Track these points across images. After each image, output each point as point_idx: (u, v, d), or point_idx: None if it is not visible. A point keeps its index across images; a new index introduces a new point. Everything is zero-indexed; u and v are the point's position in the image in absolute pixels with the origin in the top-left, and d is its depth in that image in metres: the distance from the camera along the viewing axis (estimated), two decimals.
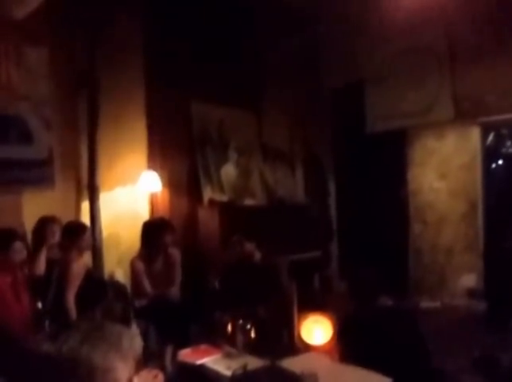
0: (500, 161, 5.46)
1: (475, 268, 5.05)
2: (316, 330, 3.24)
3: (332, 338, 3.12)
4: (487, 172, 5.22)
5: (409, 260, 5.49)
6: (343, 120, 5.99)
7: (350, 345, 2.55)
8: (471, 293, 4.95)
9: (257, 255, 3.80)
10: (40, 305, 3.16)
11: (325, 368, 2.37)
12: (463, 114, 5.07)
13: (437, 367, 2.58)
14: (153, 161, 4.67)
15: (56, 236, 3.49)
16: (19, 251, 3.02)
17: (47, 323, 3.04)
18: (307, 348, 2.96)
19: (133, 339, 1.10)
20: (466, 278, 5.07)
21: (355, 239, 5.79)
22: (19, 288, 3.02)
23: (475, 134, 5.16)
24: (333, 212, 6.20)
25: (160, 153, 4.69)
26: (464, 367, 3.21)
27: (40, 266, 3.32)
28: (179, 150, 4.86)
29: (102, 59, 4.30)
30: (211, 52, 4.96)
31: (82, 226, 3.63)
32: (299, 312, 3.51)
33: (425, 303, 4.94)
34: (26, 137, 4.01)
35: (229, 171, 5.17)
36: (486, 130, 5.20)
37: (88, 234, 3.59)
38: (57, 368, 1.01)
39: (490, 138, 5.31)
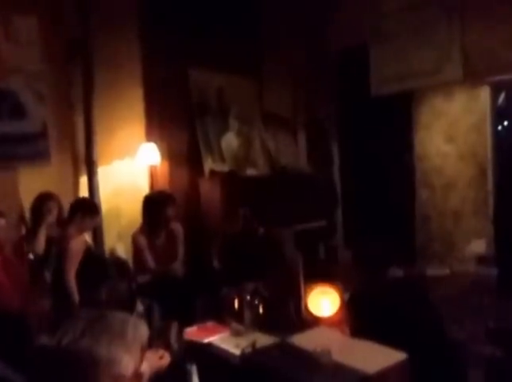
0: (511, 122, 5.28)
1: (484, 233, 4.95)
2: (324, 302, 3.16)
3: (340, 309, 3.05)
4: (497, 134, 5.05)
5: (416, 227, 5.40)
6: (347, 84, 5.80)
7: (361, 318, 2.48)
8: (481, 259, 4.87)
9: (261, 230, 3.72)
10: (32, 256, 3.11)
11: (337, 344, 2.30)
12: (472, 74, 4.85)
13: (451, 338, 2.51)
14: (152, 133, 4.53)
15: (53, 214, 3.42)
16: (2, 229, 2.93)
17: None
18: (314, 320, 2.89)
19: (137, 327, 1.03)
20: (475, 243, 4.98)
21: (360, 207, 5.69)
22: (10, 267, 2.93)
23: (484, 94, 4.96)
24: (337, 179, 6.07)
25: (158, 123, 4.55)
26: (476, 335, 3.15)
27: (39, 244, 3.24)
28: (178, 120, 4.71)
29: (96, 26, 4.12)
30: (209, 18, 4.73)
31: (96, 206, 3.55)
32: (305, 283, 3.44)
33: (433, 270, 4.87)
34: (18, 111, 3.89)
35: (230, 140, 5.01)
36: (496, 90, 4.99)
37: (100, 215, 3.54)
38: (57, 362, 0.94)
39: (501, 98, 5.11)
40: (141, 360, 1.02)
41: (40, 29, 3.92)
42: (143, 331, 1.05)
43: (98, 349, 0.95)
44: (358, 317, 2.46)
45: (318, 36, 5.65)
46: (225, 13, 4.87)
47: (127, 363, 0.98)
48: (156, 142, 4.44)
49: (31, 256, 3.23)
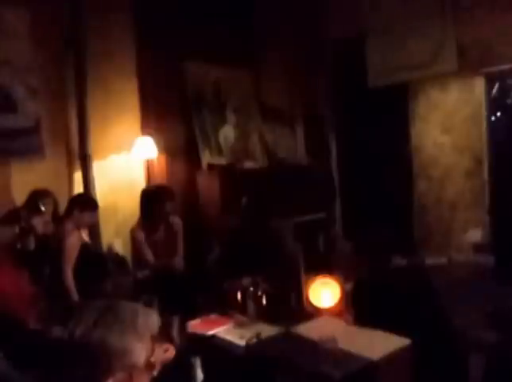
0: (505, 113, 5.30)
1: (480, 223, 5.00)
2: (324, 292, 3.16)
3: (341, 300, 3.05)
4: (492, 124, 5.07)
5: (414, 217, 5.42)
6: (345, 75, 5.79)
7: (366, 308, 2.47)
8: (478, 248, 4.91)
9: (262, 222, 3.69)
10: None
11: (341, 332, 2.30)
12: (467, 65, 4.87)
13: (452, 324, 2.52)
14: (148, 126, 4.48)
15: (48, 210, 3.36)
16: None
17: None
18: (316, 311, 2.88)
19: (148, 317, 1.04)
20: (472, 233, 5.02)
21: (359, 198, 5.70)
22: (5, 265, 2.87)
23: (479, 85, 4.98)
24: (335, 171, 6.07)
25: (154, 117, 4.49)
26: (476, 321, 3.17)
27: (33, 241, 3.18)
28: (174, 113, 4.67)
29: (88, 19, 4.06)
30: (204, 10, 4.68)
31: (94, 201, 3.51)
32: (306, 275, 3.43)
33: (432, 260, 4.90)
34: (10, 105, 3.81)
35: (227, 133, 4.99)
36: (490, 81, 5.01)
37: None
38: (71, 353, 0.94)
39: (495, 89, 5.13)
40: (153, 350, 1.02)
41: (30, 21, 3.84)
42: (153, 320, 1.05)
43: (111, 339, 0.95)
44: (364, 305, 2.45)
45: (314, 27, 5.63)
46: (220, 5, 4.82)
47: (140, 352, 0.99)
48: (152, 136, 4.39)
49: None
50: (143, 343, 0.99)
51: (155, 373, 1.04)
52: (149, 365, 1.01)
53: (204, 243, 4.13)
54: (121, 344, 0.96)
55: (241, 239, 3.62)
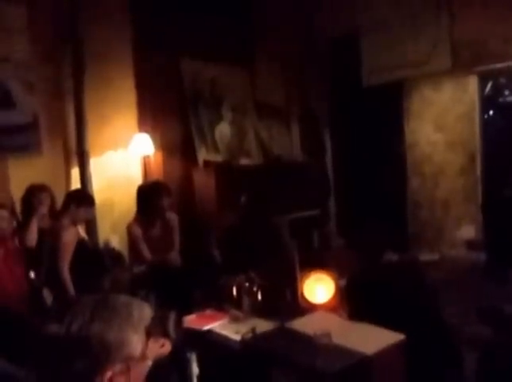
0: (498, 111, 5.35)
1: (473, 219, 5.05)
2: (319, 288, 3.20)
3: (335, 295, 3.09)
4: (485, 122, 5.12)
5: (408, 214, 5.47)
6: (339, 74, 5.82)
7: (359, 303, 2.51)
8: (470, 244, 4.96)
9: (260, 219, 3.72)
10: (33, 275, 3.07)
11: (336, 327, 2.33)
12: (460, 64, 4.91)
13: (444, 319, 2.56)
14: (144, 123, 4.50)
15: (45, 205, 3.39)
16: (4, 220, 2.90)
17: (45, 293, 2.96)
18: (310, 306, 2.92)
19: (142, 308, 1.06)
20: (464, 229, 5.07)
21: (353, 195, 5.74)
22: (11, 260, 2.90)
23: (472, 83, 5.02)
24: (330, 168, 6.11)
25: (151, 114, 4.52)
26: (467, 317, 3.22)
27: (32, 236, 3.21)
28: (170, 110, 4.69)
29: (86, 15, 4.06)
30: (201, 7, 4.68)
31: (90, 197, 3.52)
32: (300, 271, 3.47)
33: (424, 256, 4.95)
34: (7, 101, 3.82)
35: (223, 130, 5.01)
36: (484, 80, 5.06)
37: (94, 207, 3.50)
38: (68, 348, 0.94)
39: (488, 87, 5.18)
40: (147, 341, 1.04)
41: (29, 18, 3.85)
42: (147, 312, 1.07)
43: (109, 332, 0.96)
44: (357, 301, 2.49)
45: (310, 25, 5.65)
46: (217, 3, 4.83)
47: (136, 344, 1.00)
48: (149, 133, 4.41)
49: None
50: (138, 334, 1.01)
51: (149, 363, 1.06)
52: (143, 357, 1.03)
53: (201, 238, 4.15)
54: (119, 336, 0.97)
55: (238, 236, 3.64)
